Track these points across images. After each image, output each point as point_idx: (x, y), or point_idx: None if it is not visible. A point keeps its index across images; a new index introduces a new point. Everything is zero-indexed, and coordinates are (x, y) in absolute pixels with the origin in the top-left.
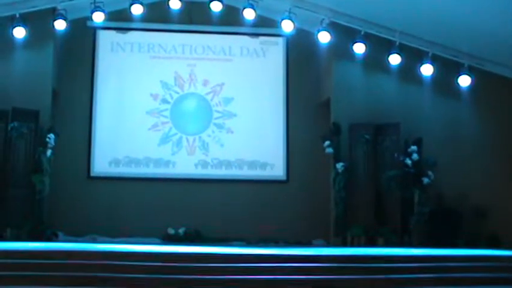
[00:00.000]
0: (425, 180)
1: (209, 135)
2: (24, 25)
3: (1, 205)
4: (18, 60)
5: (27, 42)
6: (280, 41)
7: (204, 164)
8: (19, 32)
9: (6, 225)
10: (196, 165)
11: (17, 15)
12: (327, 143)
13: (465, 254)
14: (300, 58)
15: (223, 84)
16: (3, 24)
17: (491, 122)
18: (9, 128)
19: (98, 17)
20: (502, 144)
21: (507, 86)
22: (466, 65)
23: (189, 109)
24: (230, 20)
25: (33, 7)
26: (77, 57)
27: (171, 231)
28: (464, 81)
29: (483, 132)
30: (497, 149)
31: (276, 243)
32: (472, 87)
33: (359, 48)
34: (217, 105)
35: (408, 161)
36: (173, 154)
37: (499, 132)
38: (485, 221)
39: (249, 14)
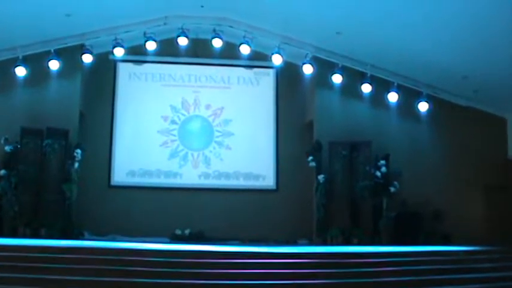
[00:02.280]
0: (392, 189)
1: (211, 151)
2: (57, 58)
3: (37, 208)
4: (52, 87)
5: (60, 73)
6: (271, 72)
7: (207, 176)
8: (53, 65)
9: (42, 225)
10: (199, 177)
11: (52, 51)
12: (310, 158)
13: (424, 250)
14: (288, 86)
15: (223, 108)
16: (41, 58)
17: (446, 141)
18: (44, 144)
19: (118, 52)
20: (454, 160)
21: (457, 111)
22: (424, 93)
23: (194, 129)
24: (229, 54)
25: (65, 44)
26: (100, 85)
27: (178, 232)
28: (423, 107)
29: (439, 149)
30: (450, 163)
31: (267, 243)
32: (429, 112)
33: (337, 78)
34: (218, 125)
35: (378, 173)
36: (180, 167)
37: (452, 149)
38: (440, 222)
39: (244, 50)
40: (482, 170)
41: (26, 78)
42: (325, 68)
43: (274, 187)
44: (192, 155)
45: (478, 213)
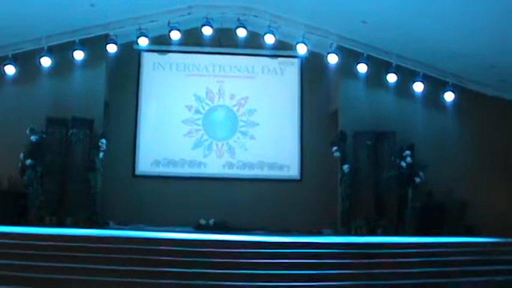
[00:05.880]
0: (417, 179)
1: (235, 141)
2: (82, 49)
3: (62, 198)
4: (77, 77)
5: (84, 63)
6: (296, 61)
7: (231, 166)
8: (78, 55)
9: (67, 214)
10: (224, 166)
11: (77, 41)
12: (335, 147)
13: (450, 241)
14: (313, 76)
15: (247, 97)
16: (66, 48)
17: (471, 131)
18: (69, 134)
19: (143, 42)
20: (480, 149)
21: (483, 101)
22: (450, 83)
23: (218, 119)
24: (253, 44)
25: (90, 34)
26: (125, 75)
27: (202, 221)
28: (449, 96)
29: (465, 139)
30: (476, 153)
31: (291, 233)
32: (455, 101)
33: (362, 68)
34: (242, 115)
35: (403, 164)
36: (204, 157)
37: (477, 139)
38: (465, 213)
39: (269, 39)
40: (508, 160)
41: (51, 68)
42: (350, 57)
43: (299, 177)
44: (217, 144)
45: (503, 205)
